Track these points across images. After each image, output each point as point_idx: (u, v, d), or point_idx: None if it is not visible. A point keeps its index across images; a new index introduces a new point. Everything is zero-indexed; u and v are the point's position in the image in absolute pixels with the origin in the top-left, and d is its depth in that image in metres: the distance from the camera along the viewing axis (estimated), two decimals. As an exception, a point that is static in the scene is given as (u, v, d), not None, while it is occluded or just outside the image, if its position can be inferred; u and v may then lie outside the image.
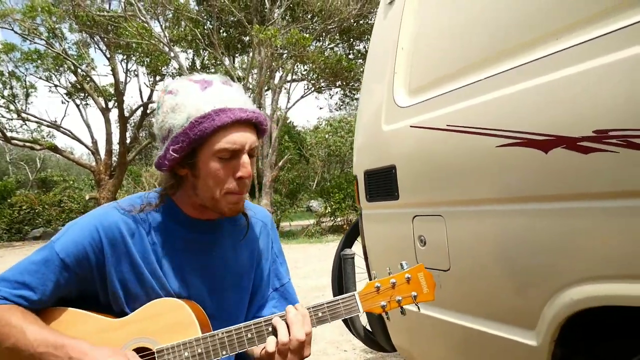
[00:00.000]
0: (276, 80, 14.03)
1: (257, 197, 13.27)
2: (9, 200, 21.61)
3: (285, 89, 14.80)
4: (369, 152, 1.86)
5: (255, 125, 1.03)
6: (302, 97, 14.79)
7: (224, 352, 1.00)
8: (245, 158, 1.00)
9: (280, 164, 13.28)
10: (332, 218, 13.46)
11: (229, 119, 0.95)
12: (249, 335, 1.01)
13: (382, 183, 1.74)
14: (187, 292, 1.11)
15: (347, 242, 2.23)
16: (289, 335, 0.96)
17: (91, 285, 1.06)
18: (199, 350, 1.00)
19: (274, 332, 0.99)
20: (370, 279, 1.10)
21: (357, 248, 2.12)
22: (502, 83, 1.23)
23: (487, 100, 1.26)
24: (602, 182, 0.99)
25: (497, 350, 1.32)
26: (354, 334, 2.10)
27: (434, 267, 1.50)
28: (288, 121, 25.34)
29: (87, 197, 21.58)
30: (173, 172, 1.03)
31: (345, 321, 2.07)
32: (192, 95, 0.98)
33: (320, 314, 1.03)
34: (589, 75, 1.00)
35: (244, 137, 0.98)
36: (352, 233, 2.25)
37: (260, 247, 1.25)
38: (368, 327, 2.07)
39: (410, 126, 1.57)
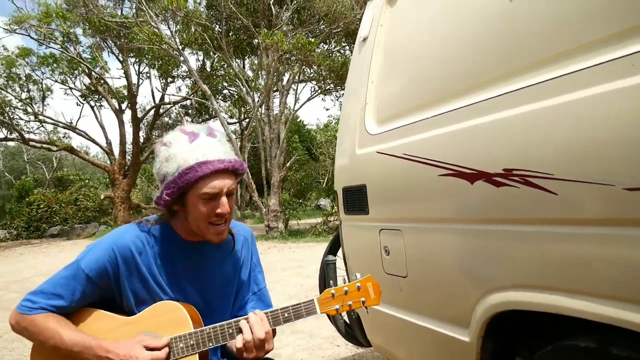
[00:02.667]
0: (284, 82, 14.29)
1: (266, 196, 13.56)
2: (27, 199, 22.17)
3: (293, 89, 15.08)
4: (346, 172, 2.10)
5: (233, 172, 1.30)
6: (308, 99, 15.03)
7: (210, 344, 1.27)
8: (223, 199, 1.27)
9: (288, 164, 13.54)
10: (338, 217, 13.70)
11: (208, 170, 1.23)
12: (230, 331, 1.28)
13: (356, 199, 1.99)
14: (184, 297, 1.39)
15: (332, 249, 2.48)
16: (252, 334, 1.23)
17: (109, 292, 1.35)
18: (191, 342, 1.27)
19: (240, 332, 1.25)
20: (349, 281, 1.36)
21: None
22: (441, 122, 1.47)
23: (431, 136, 1.51)
24: (508, 210, 1.23)
25: (442, 345, 1.56)
26: (337, 331, 2.35)
27: (395, 274, 1.75)
28: (298, 120, 25.63)
29: (102, 196, 22.09)
30: (168, 208, 1.31)
31: (330, 320, 2.33)
32: (181, 148, 1.25)
33: (286, 315, 1.29)
34: (501, 122, 1.24)
35: (222, 183, 1.26)
36: (335, 241, 2.49)
37: (241, 258, 1.52)
38: (351, 325, 2.32)
39: (377, 152, 1.82)
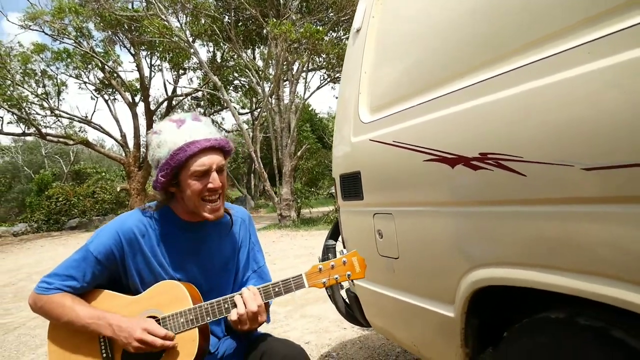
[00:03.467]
0: (294, 71, 14.33)
1: (278, 186, 13.69)
2: (46, 193, 22.67)
3: (303, 78, 15.11)
4: (343, 159, 2.19)
5: (220, 149, 1.40)
6: (318, 88, 15.04)
7: (208, 318, 1.38)
8: (214, 174, 1.38)
9: (299, 153, 13.63)
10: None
11: (196, 148, 1.33)
12: (226, 306, 1.38)
13: (352, 185, 2.07)
14: (185, 276, 1.50)
15: (333, 234, 2.57)
16: (245, 308, 1.33)
17: (116, 273, 1.47)
18: (191, 317, 1.38)
19: (235, 306, 1.35)
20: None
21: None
22: (425, 110, 1.54)
23: (416, 124, 1.58)
24: (484, 192, 1.30)
25: (432, 322, 1.64)
26: (338, 311, 2.45)
27: (388, 256, 1.84)
28: (310, 108, 25.64)
29: (118, 189, 22.49)
30: (165, 191, 1.41)
31: (331, 300, 2.43)
32: (170, 133, 1.36)
33: (277, 289, 1.39)
34: (476, 109, 1.31)
35: (211, 160, 1.36)
36: (336, 226, 2.58)
37: (240, 239, 1.62)
38: (350, 306, 2.41)
39: (369, 139, 1.89)
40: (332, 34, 14.27)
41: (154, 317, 1.42)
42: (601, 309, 1.06)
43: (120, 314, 1.41)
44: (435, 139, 1.49)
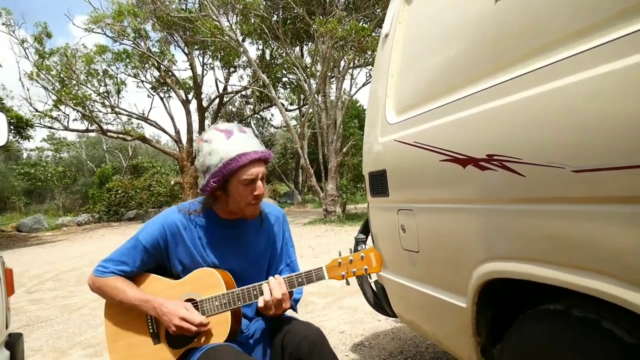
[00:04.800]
0: (341, 68, 14.45)
1: (324, 181, 13.89)
2: (106, 185, 23.95)
3: (349, 74, 15.20)
4: (371, 158, 2.31)
5: (264, 160, 1.57)
6: (364, 84, 15.07)
7: (239, 303, 1.55)
8: (259, 183, 1.55)
9: (344, 149, 13.76)
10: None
11: (247, 160, 1.50)
12: (255, 292, 1.55)
13: (379, 183, 2.20)
14: (222, 265, 1.68)
15: (364, 229, 2.69)
16: (270, 295, 1.49)
17: (162, 261, 1.67)
18: (224, 301, 1.56)
19: (262, 293, 1.52)
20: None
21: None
22: (441, 113, 1.65)
23: (434, 126, 1.69)
24: (490, 191, 1.40)
25: (447, 311, 1.75)
26: (367, 302, 2.58)
27: (410, 249, 1.96)
28: (358, 104, 25.67)
29: (172, 182, 23.45)
30: (212, 194, 1.60)
31: (361, 290, 2.56)
32: (221, 143, 1.53)
33: (300, 279, 1.55)
34: (485, 113, 1.41)
35: (257, 170, 1.53)
36: (367, 222, 2.71)
37: (274, 234, 1.79)
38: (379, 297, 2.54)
39: (394, 140, 2.01)
40: (379, 30, 14.26)
41: (192, 300, 1.62)
42: (595, 302, 1.14)
43: (163, 295, 1.61)
44: (449, 141, 1.59)
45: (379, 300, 2.47)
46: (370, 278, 1.65)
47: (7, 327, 1.68)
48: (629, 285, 1.00)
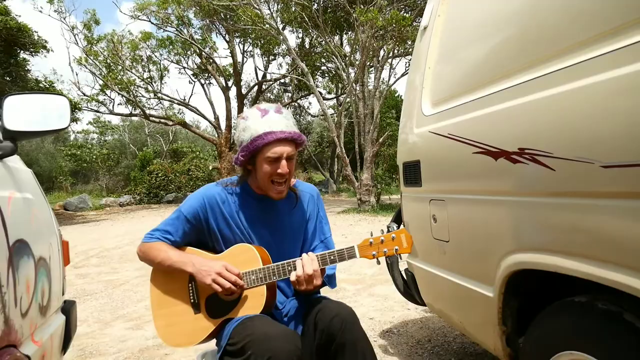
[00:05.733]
0: (380, 57, 14.35)
1: (359, 171, 13.90)
2: (147, 168, 24.69)
3: (388, 64, 15.07)
4: (406, 148, 2.36)
5: (293, 141, 1.65)
6: (403, 74, 14.91)
7: (274, 277, 1.65)
8: (283, 162, 1.63)
9: (381, 140, 13.71)
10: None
11: (272, 138, 1.59)
12: (289, 268, 1.64)
13: (413, 173, 2.24)
14: (258, 241, 1.78)
15: (397, 218, 2.75)
16: (302, 271, 1.58)
17: (202, 233, 1.79)
18: (260, 275, 1.66)
19: (295, 269, 1.61)
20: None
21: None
22: (475, 107, 1.68)
23: (467, 118, 1.72)
24: (521, 183, 1.43)
25: (474, 300, 1.79)
26: (397, 289, 2.64)
27: (441, 239, 2.00)
28: (396, 95, 25.43)
29: (210, 167, 23.97)
30: (244, 167, 1.70)
31: (391, 276, 2.63)
32: (254, 121, 1.63)
33: (332, 257, 1.62)
34: (518, 107, 1.44)
35: (282, 149, 1.61)
36: (400, 211, 2.76)
37: (308, 211, 1.88)
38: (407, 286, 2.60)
39: (429, 131, 2.05)
40: (420, 19, 14.06)
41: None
42: (617, 295, 1.17)
43: None
44: (483, 134, 1.62)
45: (409, 288, 2.53)
46: (401, 259, 1.70)
47: (63, 294, 1.84)
48: (652, 279, 1.03)
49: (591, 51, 1.16)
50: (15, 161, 1.50)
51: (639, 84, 1.02)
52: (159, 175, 23.82)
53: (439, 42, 2.11)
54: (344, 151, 13.85)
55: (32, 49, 14.44)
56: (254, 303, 1.67)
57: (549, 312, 1.43)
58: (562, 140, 1.25)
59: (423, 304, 2.46)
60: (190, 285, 1.74)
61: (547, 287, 1.56)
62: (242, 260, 1.70)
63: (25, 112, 1.39)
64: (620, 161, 1.08)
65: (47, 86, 15.53)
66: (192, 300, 1.74)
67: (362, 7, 11.87)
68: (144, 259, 1.80)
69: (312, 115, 30.61)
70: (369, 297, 4.25)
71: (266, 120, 1.63)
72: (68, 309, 1.84)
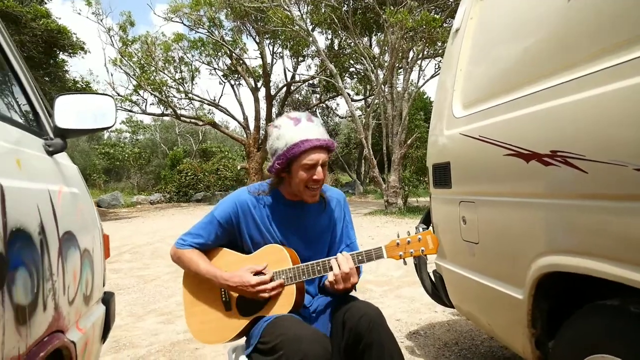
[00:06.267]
0: (409, 59, 14.28)
1: (386, 173, 13.85)
2: (177, 167, 25.19)
3: (417, 65, 14.97)
4: (436, 150, 2.37)
5: (326, 148, 1.69)
6: (432, 76, 14.78)
7: (304, 277, 1.69)
8: (319, 168, 1.67)
9: (409, 142, 13.63)
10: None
11: (309, 146, 1.63)
12: (318, 268, 1.68)
13: (443, 174, 2.25)
14: (287, 242, 1.83)
15: (425, 219, 2.75)
16: (340, 269, 1.61)
17: (233, 236, 1.84)
18: (290, 275, 1.70)
19: (332, 268, 1.64)
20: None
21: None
22: (506, 109, 1.68)
23: (498, 121, 1.73)
24: (553, 185, 1.43)
25: (504, 302, 1.79)
26: (425, 290, 2.65)
27: (470, 241, 2.01)
28: (425, 96, 25.22)
29: (238, 167, 24.28)
30: (277, 175, 1.74)
31: (419, 278, 2.64)
32: (288, 129, 1.67)
33: (360, 257, 1.66)
34: (550, 110, 1.44)
35: (318, 156, 1.65)
36: (428, 213, 2.77)
37: (335, 216, 1.91)
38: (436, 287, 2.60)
39: (460, 133, 2.06)
40: (450, 20, 13.91)
41: (261, 273, 1.78)
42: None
43: (235, 268, 1.79)
44: (514, 136, 1.63)
45: (437, 290, 2.53)
46: (427, 259, 1.73)
47: (103, 285, 1.93)
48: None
49: (625, 55, 1.16)
50: (63, 157, 1.59)
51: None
52: (189, 174, 24.27)
53: (471, 44, 2.12)
54: (372, 153, 13.82)
55: (70, 51, 14.96)
56: (283, 302, 1.71)
57: (580, 314, 1.43)
58: (595, 143, 1.25)
59: (451, 306, 2.46)
60: None
61: (577, 290, 1.56)
62: (273, 260, 1.75)
63: (74, 111, 1.48)
64: (655, 164, 1.07)
65: (84, 86, 16.05)
66: (223, 299, 1.80)
67: (392, 8, 11.83)
68: (177, 263, 1.87)
69: (339, 117, 30.66)
70: (396, 299, 4.26)
71: (300, 129, 1.67)
72: (108, 299, 1.93)
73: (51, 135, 1.52)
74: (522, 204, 1.62)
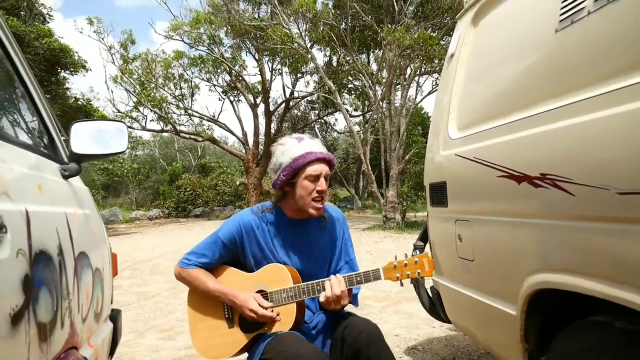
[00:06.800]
0: (407, 75, 14.48)
1: (385, 188, 13.93)
2: (176, 183, 25.25)
3: (415, 82, 15.17)
4: (432, 169, 2.45)
5: (329, 162, 1.78)
6: (430, 92, 14.97)
7: (304, 296, 1.76)
8: (322, 180, 1.75)
9: (407, 157, 13.75)
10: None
11: (313, 157, 1.72)
12: (318, 288, 1.75)
13: (439, 193, 2.33)
14: (289, 261, 1.90)
15: (423, 237, 2.82)
16: (331, 291, 1.68)
17: (236, 255, 1.91)
18: (291, 294, 1.77)
19: (324, 289, 1.71)
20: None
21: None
22: (499, 133, 1.77)
23: (492, 143, 1.81)
24: (542, 207, 1.51)
25: (498, 318, 1.85)
26: (422, 306, 2.71)
27: (466, 258, 2.08)
28: (422, 112, 25.45)
29: (237, 182, 24.35)
30: (281, 188, 1.82)
31: (417, 295, 2.70)
32: (292, 145, 1.76)
33: (358, 278, 1.73)
34: (540, 135, 1.52)
35: (322, 168, 1.74)
36: (425, 230, 2.84)
37: (335, 234, 1.99)
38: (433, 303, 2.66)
39: (455, 154, 2.14)
40: (447, 38, 14.15)
41: (262, 291, 1.84)
42: (635, 315, 1.23)
43: (238, 286, 1.85)
44: (506, 158, 1.71)
45: (434, 306, 2.59)
46: (424, 280, 1.79)
47: (111, 303, 1.99)
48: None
49: (610, 84, 1.25)
50: (77, 180, 1.66)
51: (651, 118, 1.10)
52: (187, 189, 24.33)
53: (465, 70, 2.21)
54: (370, 168, 13.93)
55: (72, 69, 15.13)
56: (284, 320, 1.78)
57: (569, 330, 1.49)
58: (582, 167, 1.33)
59: (448, 322, 2.52)
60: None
61: (568, 307, 1.62)
62: (275, 278, 1.82)
63: (88, 137, 1.56)
64: (635, 189, 1.15)
65: (85, 104, 16.19)
66: (226, 316, 1.87)
67: (389, 26, 12.04)
68: (182, 281, 1.94)
69: (338, 132, 30.86)
70: (395, 315, 4.30)
71: (304, 144, 1.77)
72: (115, 316, 1.99)
73: (66, 159, 1.59)
74: (515, 223, 1.70)
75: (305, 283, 1.78)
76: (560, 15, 1.48)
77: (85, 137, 1.55)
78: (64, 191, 1.45)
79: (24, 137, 1.41)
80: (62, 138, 1.65)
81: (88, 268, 1.51)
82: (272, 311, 1.77)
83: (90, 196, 1.83)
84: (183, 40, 18.82)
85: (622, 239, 1.22)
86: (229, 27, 17.15)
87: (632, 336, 1.24)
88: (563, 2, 1.47)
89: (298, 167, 1.74)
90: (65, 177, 1.51)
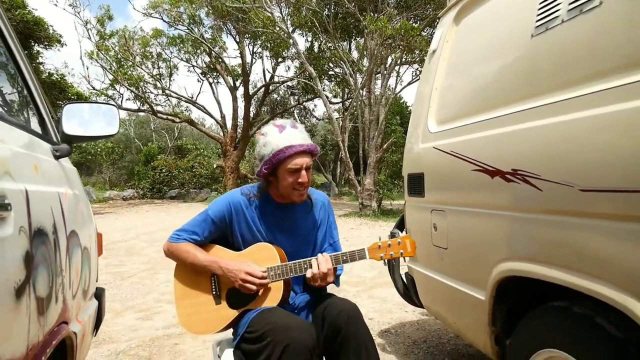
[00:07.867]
0: (387, 65, 14.56)
1: (362, 175, 14.07)
2: (152, 164, 24.88)
3: (395, 71, 15.28)
4: (411, 160, 2.54)
5: (310, 152, 1.84)
6: (409, 83, 15.11)
7: (292, 274, 1.84)
8: (303, 172, 1.81)
9: (385, 146, 13.90)
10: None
11: (292, 151, 1.77)
12: (305, 266, 1.83)
13: (416, 184, 2.43)
14: (275, 241, 1.97)
15: (399, 225, 2.94)
16: (318, 269, 1.77)
17: (225, 234, 1.97)
18: (278, 272, 1.84)
19: (311, 267, 1.80)
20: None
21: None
22: (475, 129, 1.87)
23: (468, 139, 1.91)
24: (512, 200, 1.62)
25: (468, 303, 1.98)
26: (397, 291, 2.83)
27: (440, 246, 2.19)
28: (401, 101, 25.62)
29: (214, 165, 24.18)
30: (265, 179, 1.88)
31: (392, 279, 2.82)
32: (273, 136, 1.81)
33: (344, 257, 1.81)
34: (512, 133, 1.62)
35: (302, 161, 1.80)
36: (402, 218, 2.95)
37: (320, 217, 2.06)
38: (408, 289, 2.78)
39: (433, 147, 2.24)
40: (429, 29, 14.27)
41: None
42: (590, 301, 1.35)
43: None
44: (481, 153, 1.81)
45: (408, 291, 2.71)
46: (405, 261, 1.89)
47: (96, 281, 2.03)
48: (619, 288, 1.22)
49: (577, 90, 1.35)
50: (66, 161, 1.69)
51: (615, 124, 1.21)
52: (163, 171, 24.04)
53: (446, 66, 2.30)
54: (348, 155, 14.04)
55: (46, 43, 14.68)
56: (272, 296, 1.85)
57: (533, 314, 1.62)
58: (549, 165, 1.43)
59: (421, 306, 2.64)
60: (212, 278, 1.93)
61: (534, 293, 1.75)
62: (263, 256, 1.89)
63: (80, 119, 1.59)
64: (595, 186, 1.26)
65: (59, 79, 15.74)
66: (214, 292, 1.93)
67: (372, 15, 12.07)
68: (171, 257, 1.98)
69: (317, 118, 30.83)
70: (369, 299, 4.44)
71: (284, 135, 1.82)
72: (99, 294, 2.03)
73: (56, 140, 1.62)
74: (487, 214, 1.81)
75: (292, 262, 1.85)
76: (537, 21, 1.58)
77: (77, 119, 1.58)
78: (56, 172, 1.48)
79: (18, 117, 1.43)
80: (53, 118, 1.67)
81: (78, 246, 1.56)
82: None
83: (78, 177, 1.85)
84: (162, 19, 18.48)
85: (582, 232, 1.33)
86: (210, 8, 16.88)
87: (587, 320, 1.36)
88: (540, 9, 1.57)
89: (278, 161, 1.80)
90: (57, 158, 1.54)
